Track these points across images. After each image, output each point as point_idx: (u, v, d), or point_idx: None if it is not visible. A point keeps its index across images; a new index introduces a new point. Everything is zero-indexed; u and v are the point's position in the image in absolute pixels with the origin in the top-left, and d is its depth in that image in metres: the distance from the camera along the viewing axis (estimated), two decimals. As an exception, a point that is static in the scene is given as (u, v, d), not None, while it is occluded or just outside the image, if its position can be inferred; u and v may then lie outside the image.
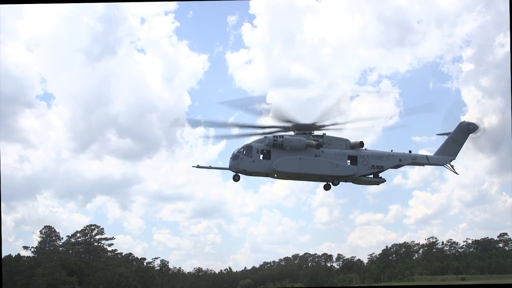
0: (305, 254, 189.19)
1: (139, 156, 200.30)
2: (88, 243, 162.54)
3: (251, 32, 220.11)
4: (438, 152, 69.88)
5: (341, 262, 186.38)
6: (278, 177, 68.35)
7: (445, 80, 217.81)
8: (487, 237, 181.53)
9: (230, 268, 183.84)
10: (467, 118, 70.95)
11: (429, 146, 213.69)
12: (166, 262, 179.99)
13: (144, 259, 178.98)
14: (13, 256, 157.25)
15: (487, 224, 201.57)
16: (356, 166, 66.90)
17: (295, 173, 66.33)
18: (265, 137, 65.83)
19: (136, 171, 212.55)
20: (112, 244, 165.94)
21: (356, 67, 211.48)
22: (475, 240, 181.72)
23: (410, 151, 69.34)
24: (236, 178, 66.73)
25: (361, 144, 67.81)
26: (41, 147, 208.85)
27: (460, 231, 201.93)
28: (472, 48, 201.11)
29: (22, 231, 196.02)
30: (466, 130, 69.68)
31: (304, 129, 67.13)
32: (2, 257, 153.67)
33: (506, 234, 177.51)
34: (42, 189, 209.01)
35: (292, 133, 67.10)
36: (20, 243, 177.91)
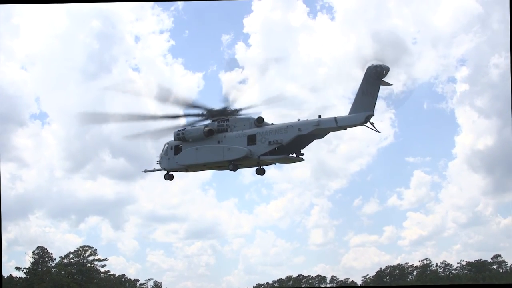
0: (299, 275, 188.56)
1: (132, 176, 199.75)
2: (81, 264, 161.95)
3: (245, 51, 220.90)
4: (351, 111, 57.88)
5: (335, 284, 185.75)
6: (191, 170, 66.63)
7: (439, 101, 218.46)
8: (481, 259, 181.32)
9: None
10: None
11: (423, 167, 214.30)
12: (159, 284, 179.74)
13: (138, 280, 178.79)
14: (5, 277, 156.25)
15: (481, 245, 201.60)
16: (255, 145, 61.27)
17: (195, 164, 64.65)
18: (173, 132, 65.81)
19: (129, 191, 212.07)
20: (105, 265, 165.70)
21: (351, 87, 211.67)
22: (469, 262, 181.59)
23: (319, 116, 59.76)
24: (166, 177, 66.85)
25: (259, 119, 62.71)
26: (34, 167, 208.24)
27: (454, 253, 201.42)
28: (467, 68, 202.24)
29: (15, 252, 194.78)
30: (374, 75, 56.89)
31: (218, 115, 64.69)
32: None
33: (500, 255, 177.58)
34: (34, 208, 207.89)
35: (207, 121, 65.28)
36: (13, 263, 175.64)
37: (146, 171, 68.34)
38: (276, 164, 64.87)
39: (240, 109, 64.36)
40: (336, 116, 58.73)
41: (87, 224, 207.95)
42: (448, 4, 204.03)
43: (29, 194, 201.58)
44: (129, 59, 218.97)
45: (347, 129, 59.44)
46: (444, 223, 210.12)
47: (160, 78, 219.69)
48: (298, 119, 61.11)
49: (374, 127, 57.83)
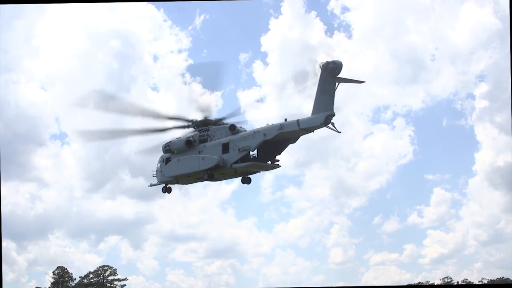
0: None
1: (152, 196, 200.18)
2: (101, 284, 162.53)
3: (263, 70, 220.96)
4: (312, 112, 56.49)
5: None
6: (181, 183, 67.02)
7: (459, 118, 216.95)
8: (503, 277, 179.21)
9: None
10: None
11: (443, 184, 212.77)
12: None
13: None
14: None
15: (503, 263, 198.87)
16: (228, 153, 60.64)
17: (179, 175, 64.79)
18: (162, 146, 66.88)
19: (149, 211, 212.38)
20: (125, 285, 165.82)
21: (369, 105, 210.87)
22: (491, 280, 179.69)
23: (285, 119, 58.53)
24: (163, 190, 67.51)
25: (232, 127, 62.48)
26: (54, 187, 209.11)
27: (476, 271, 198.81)
28: (487, 84, 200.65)
29: (35, 272, 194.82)
30: (326, 72, 55.48)
31: (202, 125, 65.09)
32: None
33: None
34: (54, 228, 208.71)
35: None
36: (33, 284, 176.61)
37: (152, 185, 68.89)
38: (261, 172, 63.91)
39: (224, 118, 64.63)
40: (298, 119, 57.67)
41: (107, 244, 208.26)
42: (467, 20, 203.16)
43: (48, 214, 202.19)
44: (148, 79, 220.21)
45: (314, 131, 57.87)
46: (465, 241, 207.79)
47: (179, 97, 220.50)
48: (267, 124, 60.18)
49: (335, 128, 56.13)
